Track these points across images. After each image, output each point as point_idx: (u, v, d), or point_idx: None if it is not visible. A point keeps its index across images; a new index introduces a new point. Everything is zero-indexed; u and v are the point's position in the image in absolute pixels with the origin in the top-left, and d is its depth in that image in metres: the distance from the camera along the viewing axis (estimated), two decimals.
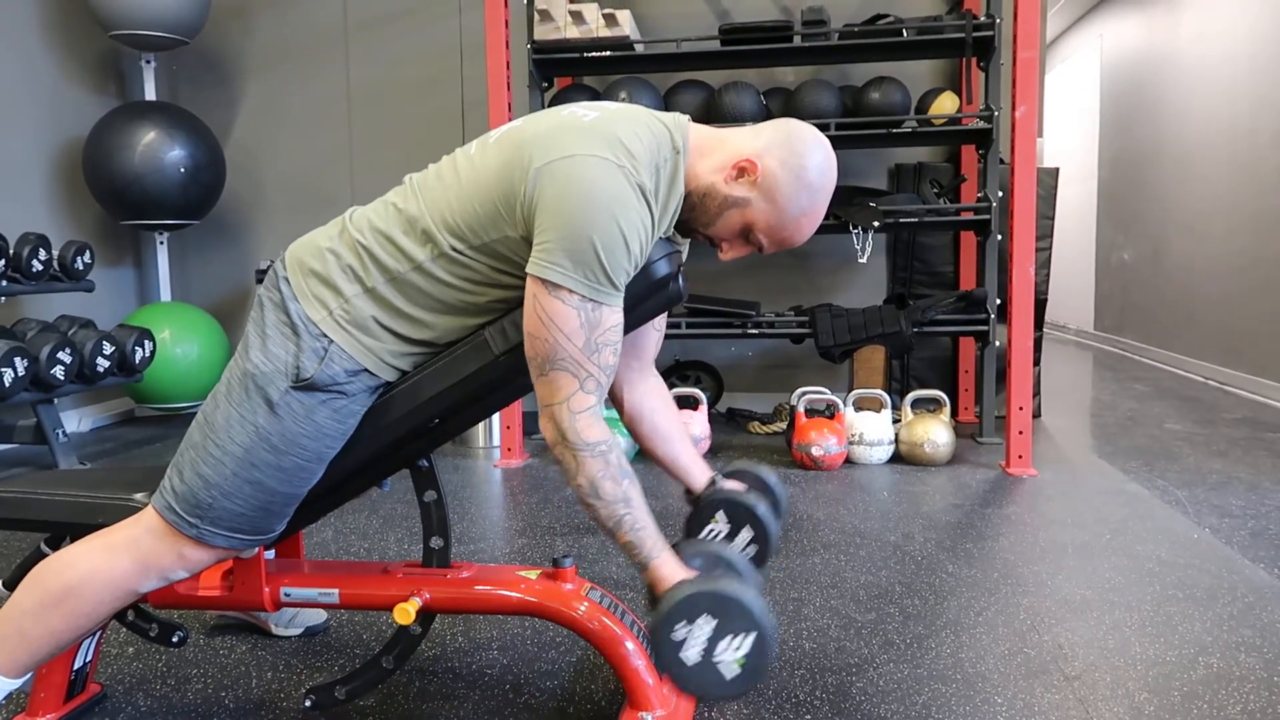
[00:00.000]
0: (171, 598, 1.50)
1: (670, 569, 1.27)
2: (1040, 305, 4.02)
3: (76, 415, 4.21)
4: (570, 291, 1.20)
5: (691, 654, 1.21)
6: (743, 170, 1.30)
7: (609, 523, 1.27)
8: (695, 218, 1.35)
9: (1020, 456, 3.09)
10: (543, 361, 1.24)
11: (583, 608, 1.39)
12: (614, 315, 1.25)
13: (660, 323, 1.58)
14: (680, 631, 1.20)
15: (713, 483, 1.59)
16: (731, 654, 1.20)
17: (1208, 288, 5.26)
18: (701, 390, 3.51)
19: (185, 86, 4.61)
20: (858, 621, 1.90)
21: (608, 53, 3.61)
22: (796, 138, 1.32)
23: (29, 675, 1.40)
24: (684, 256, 1.47)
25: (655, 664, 1.23)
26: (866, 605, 1.98)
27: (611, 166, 1.21)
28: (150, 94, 4.30)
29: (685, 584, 1.23)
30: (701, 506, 1.56)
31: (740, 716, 1.52)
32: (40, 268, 3.41)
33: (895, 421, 3.37)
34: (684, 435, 1.61)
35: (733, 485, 1.60)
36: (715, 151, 1.33)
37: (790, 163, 1.30)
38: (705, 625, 1.20)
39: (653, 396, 1.59)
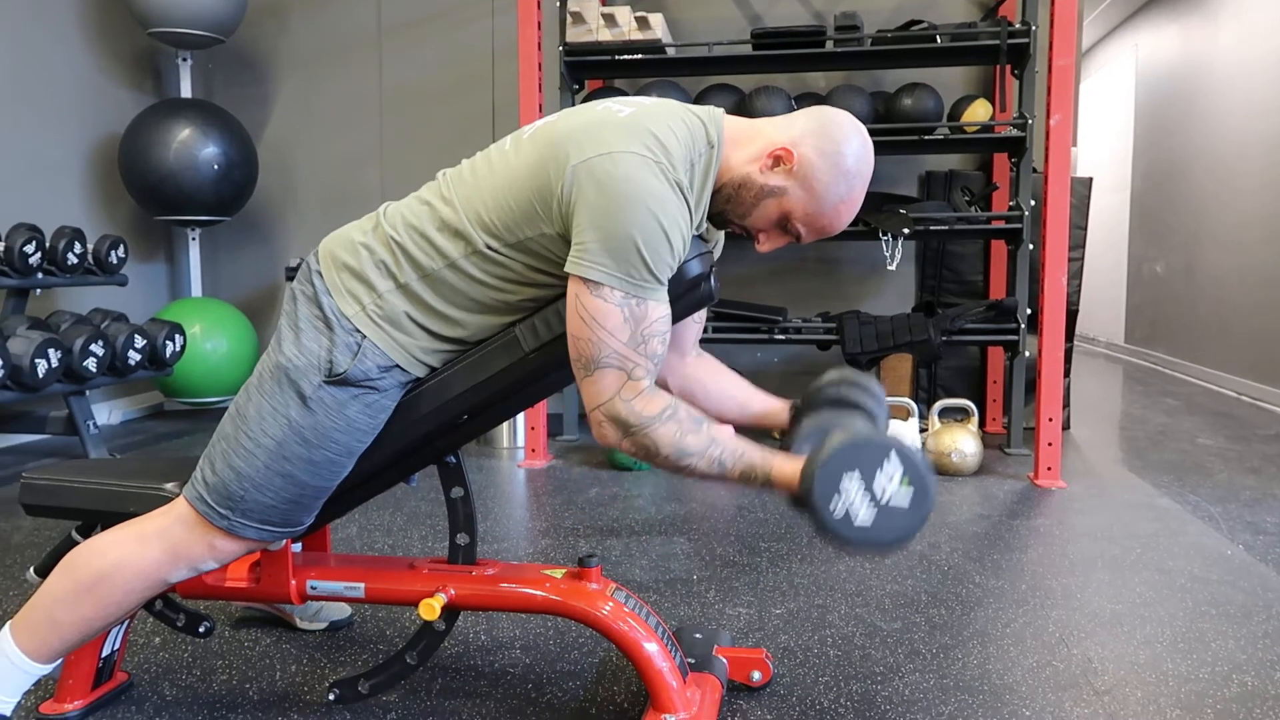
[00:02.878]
0: (199, 588, 1.51)
1: (790, 466, 1.24)
2: (1071, 316, 3.97)
3: (107, 408, 4.26)
4: (613, 289, 1.20)
5: (864, 516, 1.17)
6: (779, 159, 1.29)
7: (712, 469, 1.25)
8: (731, 209, 1.33)
9: (1049, 468, 3.05)
10: (588, 362, 1.23)
11: (607, 608, 1.39)
12: (660, 308, 1.24)
13: (700, 315, 1.56)
14: (838, 507, 1.16)
15: (796, 408, 1.52)
16: (894, 485, 1.16)
17: (1242, 301, 5.18)
18: None
19: (220, 84, 4.66)
20: (883, 630, 1.88)
21: (639, 56, 3.61)
22: (833, 124, 1.30)
23: (58, 661, 1.41)
24: (716, 256, 1.46)
25: (846, 548, 1.19)
26: (892, 614, 1.96)
27: (649, 163, 1.20)
28: (186, 91, 4.35)
29: (808, 466, 1.19)
30: (801, 418, 1.47)
31: None
32: (75, 261, 3.46)
33: (922, 430, 3.34)
34: (748, 387, 1.57)
35: (821, 383, 1.52)
36: (750, 142, 1.32)
37: (827, 149, 1.28)
38: (851, 481, 1.16)
39: (703, 371, 1.56)
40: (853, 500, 1.17)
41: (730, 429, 1.27)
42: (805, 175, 1.29)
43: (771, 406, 1.56)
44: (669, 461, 1.25)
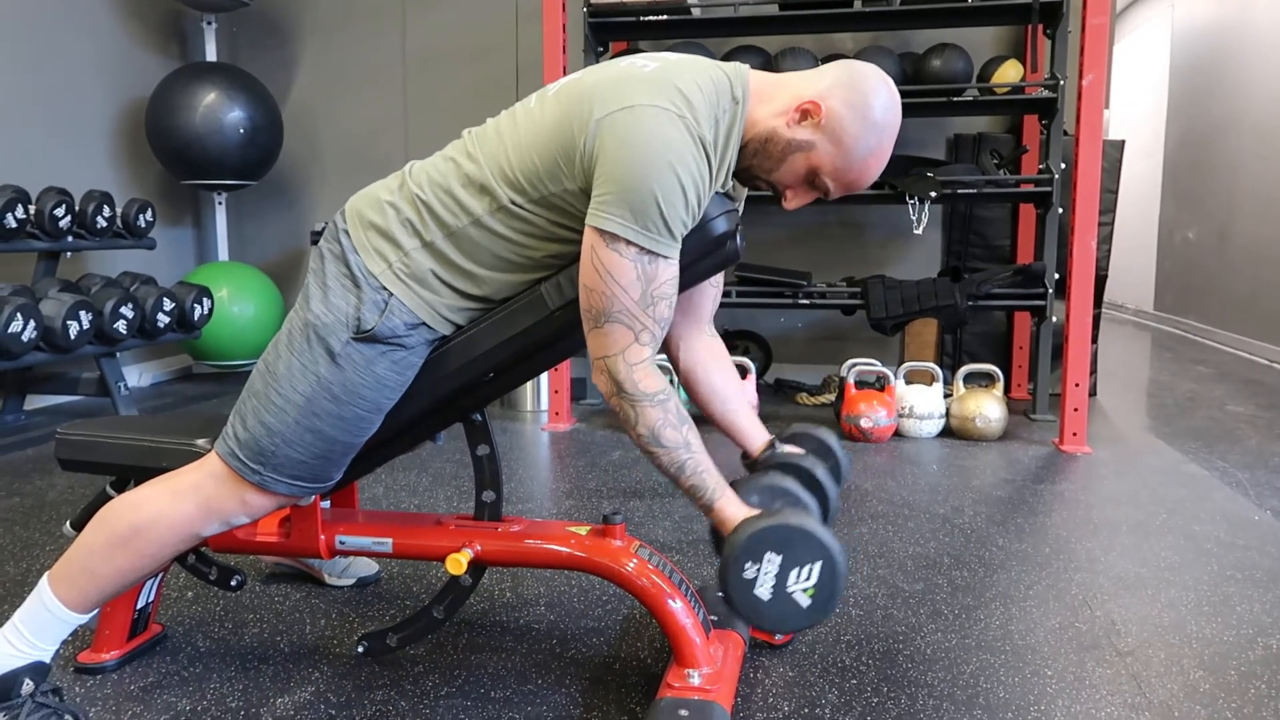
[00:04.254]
0: (231, 542, 1.54)
1: (733, 509, 1.29)
2: (1100, 282, 3.93)
3: (137, 370, 4.32)
4: (629, 243, 1.20)
5: (764, 591, 1.24)
6: (806, 113, 1.27)
7: (671, 469, 1.29)
8: (758, 164, 1.32)
9: (1075, 434, 3.04)
10: (598, 314, 1.24)
11: (632, 564, 1.40)
12: (670, 268, 1.24)
13: (717, 280, 1.56)
14: (750, 570, 1.23)
15: (771, 446, 1.55)
16: (802, 584, 1.23)
17: (1275, 268, 5.10)
18: (750, 360, 3.49)
19: (245, 48, 4.66)
20: (905, 591, 1.88)
21: (664, 17, 3.57)
22: (860, 76, 1.29)
23: (95, 612, 1.45)
24: (740, 212, 1.45)
25: (730, 605, 1.26)
26: (914, 575, 1.97)
27: (672, 116, 1.20)
28: (211, 55, 4.36)
29: (748, 523, 1.25)
30: (758, 472, 1.52)
31: (786, 679, 1.53)
32: (104, 224, 3.49)
33: (946, 396, 3.33)
34: (741, 396, 1.58)
35: (791, 450, 1.55)
36: (776, 96, 1.30)
37: (855, 102, 1.27)
38: (772, 561, 1.23)
39: (710, 355, 1.56)
40: (765, 573, 1.24)
41: (699, 438, 1.31)
42: (833, 128, 1.27)
43: (748, 430, 1.57)
44: (639, 440, 1.29)
